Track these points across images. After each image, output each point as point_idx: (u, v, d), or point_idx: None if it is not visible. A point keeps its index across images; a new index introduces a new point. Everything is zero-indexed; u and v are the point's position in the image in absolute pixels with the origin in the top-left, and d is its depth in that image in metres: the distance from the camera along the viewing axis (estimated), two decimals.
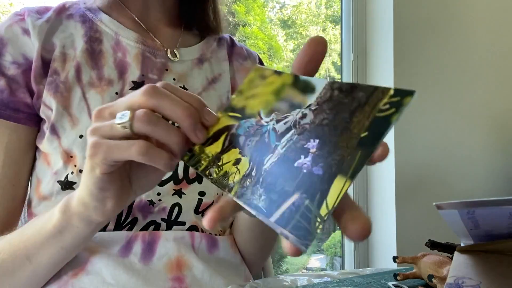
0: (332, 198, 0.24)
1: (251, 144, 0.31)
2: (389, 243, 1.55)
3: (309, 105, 0.29)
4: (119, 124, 0.32)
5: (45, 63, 0.55)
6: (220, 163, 0.31)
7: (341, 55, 1.73)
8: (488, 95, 1.70)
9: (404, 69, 1.54)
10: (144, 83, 0.57)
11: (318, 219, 0.23)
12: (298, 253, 0.24)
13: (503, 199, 0.34)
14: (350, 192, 1.69)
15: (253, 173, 0.29)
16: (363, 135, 0.25)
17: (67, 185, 0.52)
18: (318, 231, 0.23)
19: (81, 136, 0.53)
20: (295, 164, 0.27)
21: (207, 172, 0.31)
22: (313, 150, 0.27)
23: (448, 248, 0.48)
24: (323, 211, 0.24)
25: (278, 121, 0.30)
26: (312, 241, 0.23)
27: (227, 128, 0.33)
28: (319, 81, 0.30)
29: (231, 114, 0.34)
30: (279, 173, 0.27)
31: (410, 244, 1.49)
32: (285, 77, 0.33)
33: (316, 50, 0.32)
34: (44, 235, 0.44)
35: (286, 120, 0.30)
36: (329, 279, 0.50)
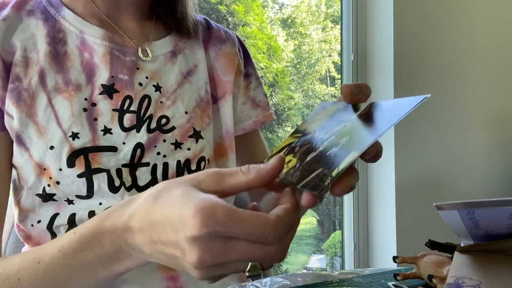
0: (343, 165, 0.33)
1: (301, 149, 0.40)
2: (389, 243, 1.55)
3: (350, 120, 0.39)
4: (248, 277, 0.33)
5: (6, 66, 0.51)
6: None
7: (341, 55, 1.73)
8: (488, 95, 1.70)
9: (404, 69, 1.54)
10: (114, 85, 0.54)
11: (329, 178, 0.33)
12: (312, 202, 0.33)
13: (503, 199, 0.34)
14: (351, 192, 1.69)
15: (297, 166, 0.37)
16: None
17: (47, 197, 0.51)
18: (326, 184, 0.32)
19: (51, 147, 0.50)
20: (327, 153, 0.36)
21: None
22: (343, 142, 0.36)
23: (448, 248, 0.48)
24: (334, 172, 0.33)
25: (326, 133, 0.40)
26: (323, 191, 0.32)
27: (289, 144, 0.42)
28: (364, 104, 0.40)
29: (295, 135, 0.44)
30: (314, 161, 0.36)
31: (410, 244, 1.49)
32: (340, 104, 0.42)
33: (363, 93, 0.40)
34: (100, 279, 0.42)
35: (331, 132, 0.39)
36: (329, 279, 0.50)
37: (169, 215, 0.33)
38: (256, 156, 0.72)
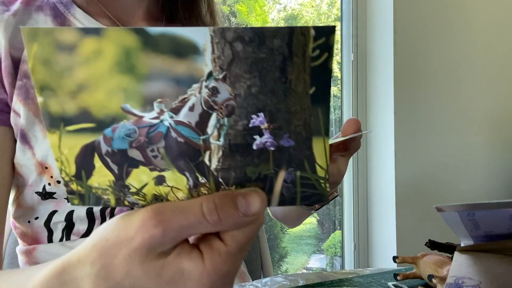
0: (321, 159, 0.23)
1: (159, 153, 0.23)
2: (389, 243, 1.55)
3: (210, 74, 0.21)
4: None
5: (15, 62, 0.51)
6: (133, 190, 0.24)
7: (341, 55, 1.73)
8: (488, 95, 1.70)
9: (404, 69, 1.54)
10: None
11: (322, 181, 0.24)
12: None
13: (503, 201, 0.34)
14: (351, 191, 1.69)
15: (202, 181, 0.23)
16: (311, 91, 0.22)
17: (47, 195, 0.51)
18: (328, 189, 0.24)
19: None
20: (255, 147, 0.23)
21: (126, 203, 0.24)
22: (264, 125, 0.22)
23: (448, 248, 0.48)
24: (321, 172, 0.23)
25: (175, 111, 0.22)
26: (326, 201, 0.24)
27: (90, 149, 0.23)
28: (196, 33, 0.21)
29: (71, 128, 0.22)
30: (240, 165, 0.23)
31: (410, 244, 1.49)
32: (122, 38, 0.20)
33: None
34: None
35: (188, 105, 0.22)
36: (329, 279, 0.50)
37: None
38: None
